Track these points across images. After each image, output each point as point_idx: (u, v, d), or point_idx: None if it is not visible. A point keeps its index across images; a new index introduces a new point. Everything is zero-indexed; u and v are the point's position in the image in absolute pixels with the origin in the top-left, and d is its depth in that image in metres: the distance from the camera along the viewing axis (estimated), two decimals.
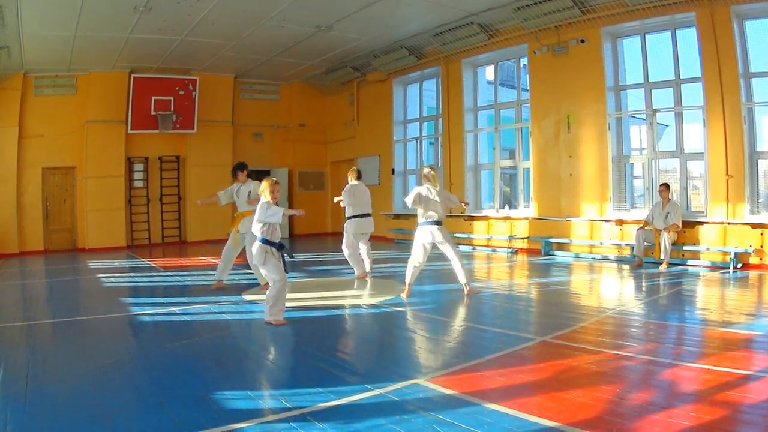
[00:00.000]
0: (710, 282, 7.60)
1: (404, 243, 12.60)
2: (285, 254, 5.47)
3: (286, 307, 5.54)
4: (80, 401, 3.46)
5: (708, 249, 8.77)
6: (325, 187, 17.46)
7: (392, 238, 14.29)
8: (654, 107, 9.77)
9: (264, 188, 5.38)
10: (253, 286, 7.66)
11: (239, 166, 7.67)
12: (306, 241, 15.49)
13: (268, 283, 5.67)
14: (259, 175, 7.17)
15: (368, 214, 8.36)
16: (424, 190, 6.68)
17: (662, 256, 8.76)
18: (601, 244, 10.17)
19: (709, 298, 6.78)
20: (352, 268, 8.33)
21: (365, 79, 15.13)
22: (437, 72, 13.58)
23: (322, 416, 3.09)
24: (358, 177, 8.54)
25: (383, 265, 9.63)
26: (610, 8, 9.57)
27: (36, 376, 3.95)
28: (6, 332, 5.41)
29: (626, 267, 9.12)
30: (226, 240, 7.69)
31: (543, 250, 10.97)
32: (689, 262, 8.94)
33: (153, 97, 14.19)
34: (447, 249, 6.69)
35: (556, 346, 4.46)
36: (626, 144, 10.42)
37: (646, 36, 9.87)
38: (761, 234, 8.31)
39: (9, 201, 13.13)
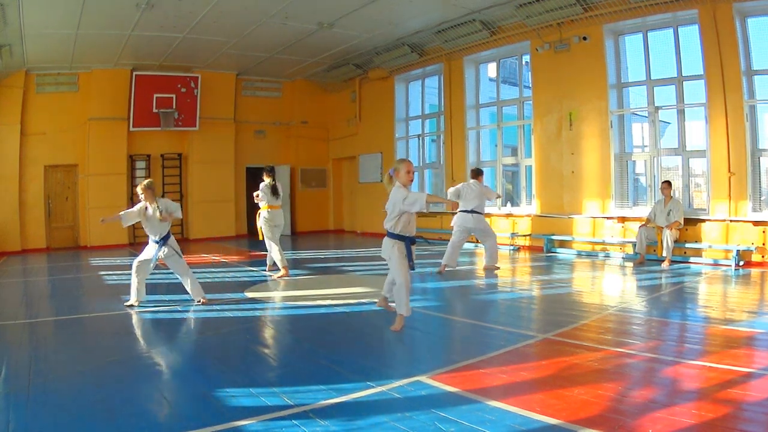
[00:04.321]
0: (712, 279, 7.59)
1: None
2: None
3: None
4: (83, 398, 3.47)
5: (710, 246, 8.77)
6: (327, 185, 17.47)
7: None
8: (656, 104, 9.74)
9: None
10: (254, 283, 7.67)
11: None
12: (308, 238, 15.49)
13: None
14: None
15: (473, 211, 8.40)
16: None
17: (664, 254, 8.75)
18: (603, 241, 10.17)
19: (711, 295, 6.77)
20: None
21: (367, 76, 15.11)
22: (439, 69, 13.56)
23: (324, 413, 3.10)
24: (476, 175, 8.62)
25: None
26: (612, 5, 9.54)
27: (39, 373, 3.97)
28: (8, 330, 5.43)
29: (628, 264, 9.12)
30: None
31: (545, 247, 10.96)
32: (691, 259, 8.94)
33: (155, 95, 14.17)
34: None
35: (559, 344, 4.46)
36: (628, 141, 10.40)
37: (648, 33, 9.84)
38: (763, 231, 8.30)
39: (11, 198, 13.13)
